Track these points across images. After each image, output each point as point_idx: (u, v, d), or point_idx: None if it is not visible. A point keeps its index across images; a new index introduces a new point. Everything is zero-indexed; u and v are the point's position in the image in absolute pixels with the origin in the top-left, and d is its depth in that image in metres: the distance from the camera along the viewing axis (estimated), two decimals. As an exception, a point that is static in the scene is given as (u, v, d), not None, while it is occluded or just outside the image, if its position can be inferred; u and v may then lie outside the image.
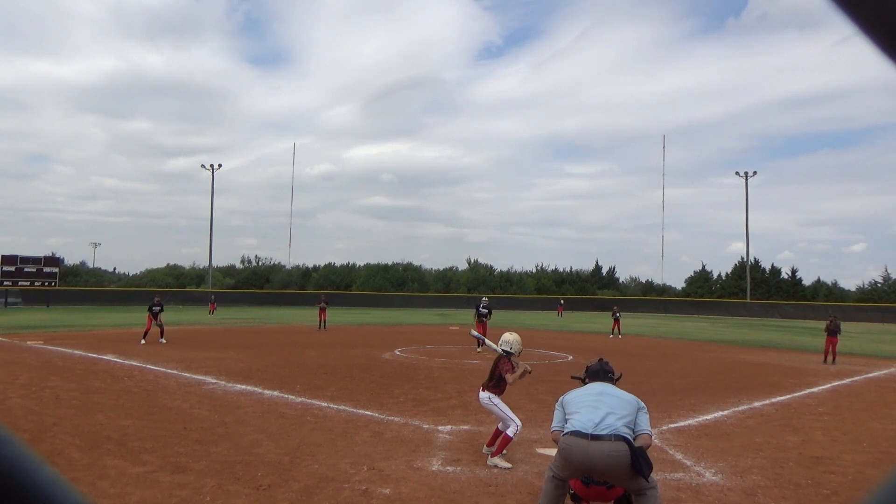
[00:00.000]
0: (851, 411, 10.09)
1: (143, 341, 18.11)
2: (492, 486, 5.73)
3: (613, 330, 26.76)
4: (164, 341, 18.53)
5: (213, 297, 46.81)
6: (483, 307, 20.05)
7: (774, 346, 23.20)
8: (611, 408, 4.41)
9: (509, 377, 6.64)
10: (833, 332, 17.27)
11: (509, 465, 6.35)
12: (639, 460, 4.15)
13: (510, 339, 6.93)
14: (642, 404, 4.60)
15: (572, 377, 5.48)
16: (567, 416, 4.53)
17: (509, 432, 6.49)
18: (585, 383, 4.95)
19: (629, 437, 4.26)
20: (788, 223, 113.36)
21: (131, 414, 8.44)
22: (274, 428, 7.79)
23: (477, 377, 12.66)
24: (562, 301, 55.09)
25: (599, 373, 4.96)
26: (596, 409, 4.40)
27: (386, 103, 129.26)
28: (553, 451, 6.78)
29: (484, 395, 6.74)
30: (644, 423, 4.49)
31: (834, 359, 16.99)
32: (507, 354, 6.82)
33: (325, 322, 26.94)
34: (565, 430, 4.42)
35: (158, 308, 19.13)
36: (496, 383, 6.72)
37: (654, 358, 18.15)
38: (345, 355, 16.39)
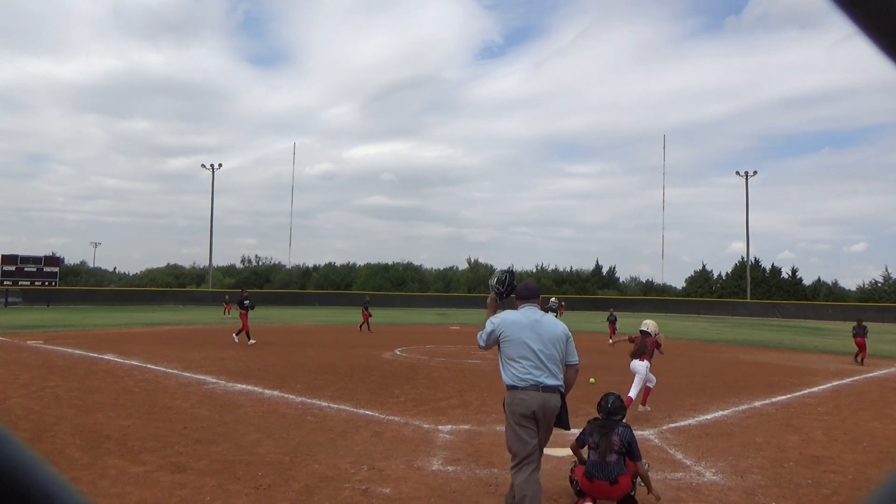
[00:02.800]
0: (852, 411, 10.09)
1: (251, 341, 18.28)
2: (492, 485, 5.73)
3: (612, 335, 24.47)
4: (236, 339, 18.55)
5: (227, 297, 44.33)
6: (552, 307, 17.82)
7: (774, 346, 23.20)
8: (547, 351, 4.61)
9: (661, 349, 9.63)
10: (860, 333, 17.46)
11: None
12: (563, 413, 4.67)
13: (649, 322, 9.74)
14: (569, 333, 4.83)
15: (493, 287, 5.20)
16: (507, 360, 4.66)
17: (650, 385, 9.50)
18: (503, 297, 5.05)
19: (562, 388, 4.68)
20: (789, 223, 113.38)
21: (131, 414, 8.44)
22: (274, 428, 7.80)
23: (477, 377, 12.67)
24: (562, 302, 54.36)
25: (529, 296, 4.90)
26: (534, 359, 4.58)
27: (386, 103, 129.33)
28: (552, 451, 6.87)
29: (644, 364, 9.24)
30: (573, 353, 4.80)
31: (862, 359, 17.10)
32: (645, 335, 9.47)
33: (367, 323, 25.15)
34: (525, 377, 4.56)
35: (248, 302, 18.94)
36: (650, 356, 9.36)
37: (654, 357, 18.12)
38: (345, 355, 16.39)
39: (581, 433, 5.52)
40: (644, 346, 9.38)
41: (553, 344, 4.65)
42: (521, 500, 4.47)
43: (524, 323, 4.70)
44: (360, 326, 25.49)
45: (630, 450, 5.19)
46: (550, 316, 4.86)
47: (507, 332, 4.68)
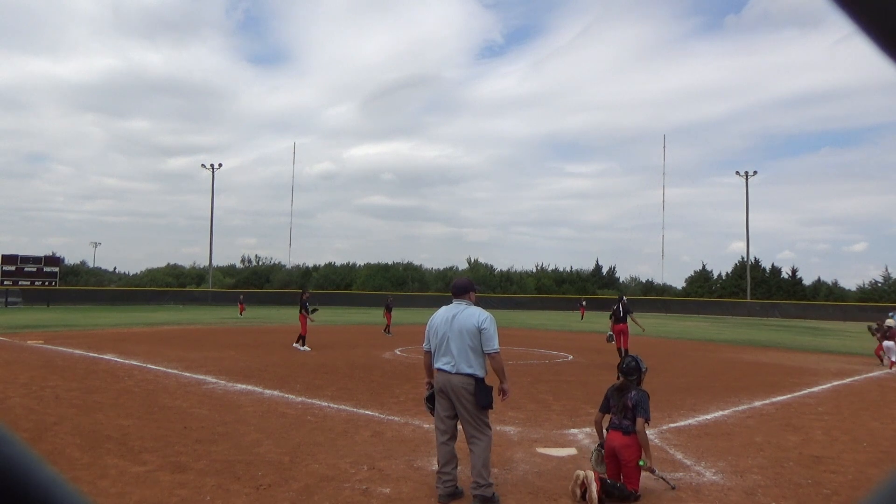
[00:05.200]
0: (852, 411, 10.09)
1: (306, 348, 17.12)
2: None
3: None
4: (307, 349, 17.18)
5: (241, 296, 43.71)
6: (623, 306, 16.34)
7: (774, 346, 23.20)
8: (457, 341, 5.27)
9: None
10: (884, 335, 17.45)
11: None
12: (479, 393, 5.24)
13: (891, 322, 14.66)
14: (484, 325, 5.28)
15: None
16: (433, 350, 5.48)
17: (893, 358, 14.56)
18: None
19: (476, 374, 5.25)
20: (789, 223, 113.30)
21: (131, 413, 8.44)
22: (274, 427, 7.80)
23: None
24: (584, 302, 50.49)
25: (457, 293, 5.58)
26: (444, 348, 5.34)
27: (386, 102, 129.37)
28: (552, 451, 6.94)
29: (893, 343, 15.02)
30: (487, 341, 5.28)
31: (882, 360, 17.13)
32: (889, 327, 14.98)
33: (388, 326, 24.00)
34: (435, 365, 5.45)
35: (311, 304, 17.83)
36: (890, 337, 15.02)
37: (654, 358, 18.11)
38: (345, 355, 16.39)
39: (603, 399, 5.94)
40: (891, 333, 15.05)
41: (463, 335, 5.27)
42: (439, 463, 5.39)
43: (445, 317, 5.44)
44: (385, 329, 24.01)
45: (637, 407, 5.62)
46: (472, 309, 5.43)
47: (432, 328, 5.51)
